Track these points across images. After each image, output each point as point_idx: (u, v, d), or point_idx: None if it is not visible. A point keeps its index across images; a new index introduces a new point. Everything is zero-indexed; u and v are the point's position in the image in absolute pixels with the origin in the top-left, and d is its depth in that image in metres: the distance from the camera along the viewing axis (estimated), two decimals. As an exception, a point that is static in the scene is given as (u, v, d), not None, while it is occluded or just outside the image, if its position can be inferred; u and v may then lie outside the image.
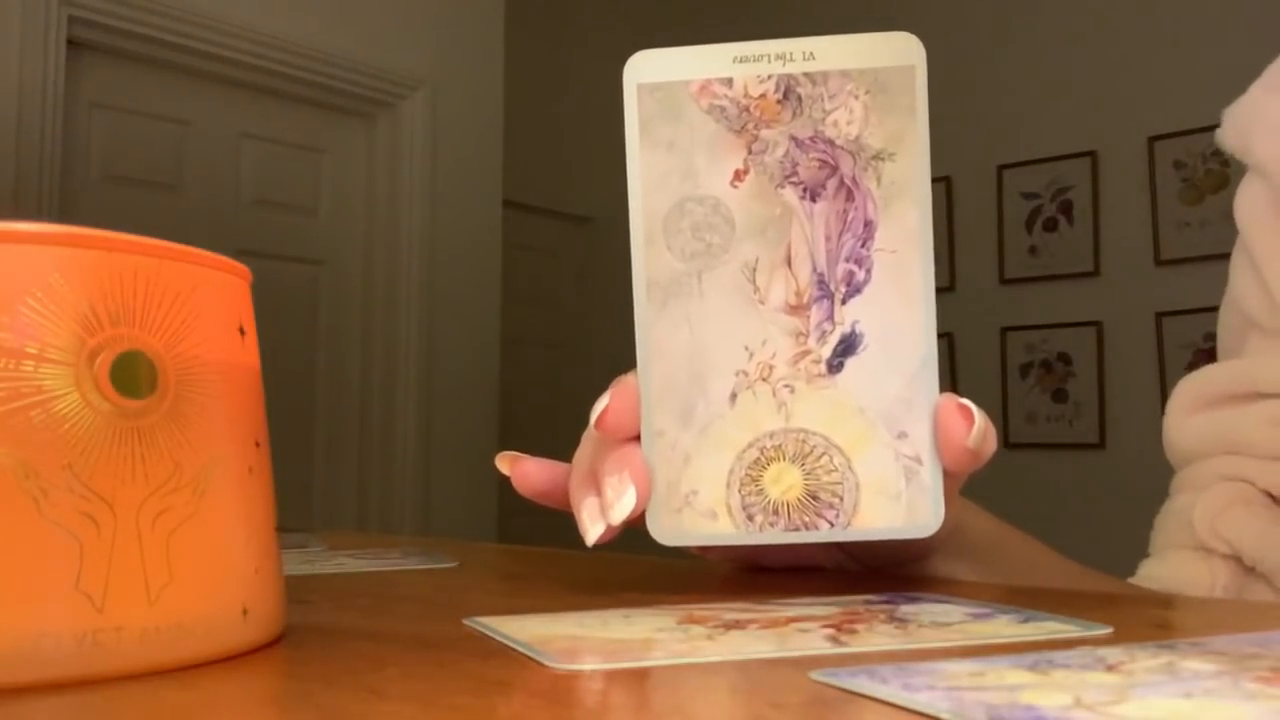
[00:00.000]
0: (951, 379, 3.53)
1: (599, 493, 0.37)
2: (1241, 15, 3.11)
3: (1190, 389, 0.57)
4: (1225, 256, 0.60)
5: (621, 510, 0.36)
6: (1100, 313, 3.40)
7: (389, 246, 3.07)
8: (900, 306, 0.36)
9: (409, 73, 3.04)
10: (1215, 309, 0.61)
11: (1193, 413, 0.57)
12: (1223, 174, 3.15)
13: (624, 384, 0.37)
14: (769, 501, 0.36)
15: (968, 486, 0.40)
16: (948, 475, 0.36)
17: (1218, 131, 0.59)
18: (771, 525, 0.36)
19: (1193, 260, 3.18)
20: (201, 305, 0.27)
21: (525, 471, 0.42)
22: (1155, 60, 3.28)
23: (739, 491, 0.36)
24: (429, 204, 3.08)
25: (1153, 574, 0.56)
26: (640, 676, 0.25)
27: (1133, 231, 3.35)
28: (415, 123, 3.07)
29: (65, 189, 2.48)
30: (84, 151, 2.57)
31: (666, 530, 0.37)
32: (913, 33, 0.37)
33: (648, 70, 0.37)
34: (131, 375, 0.25)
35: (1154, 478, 0.60)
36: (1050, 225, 3.50)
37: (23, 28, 2.38)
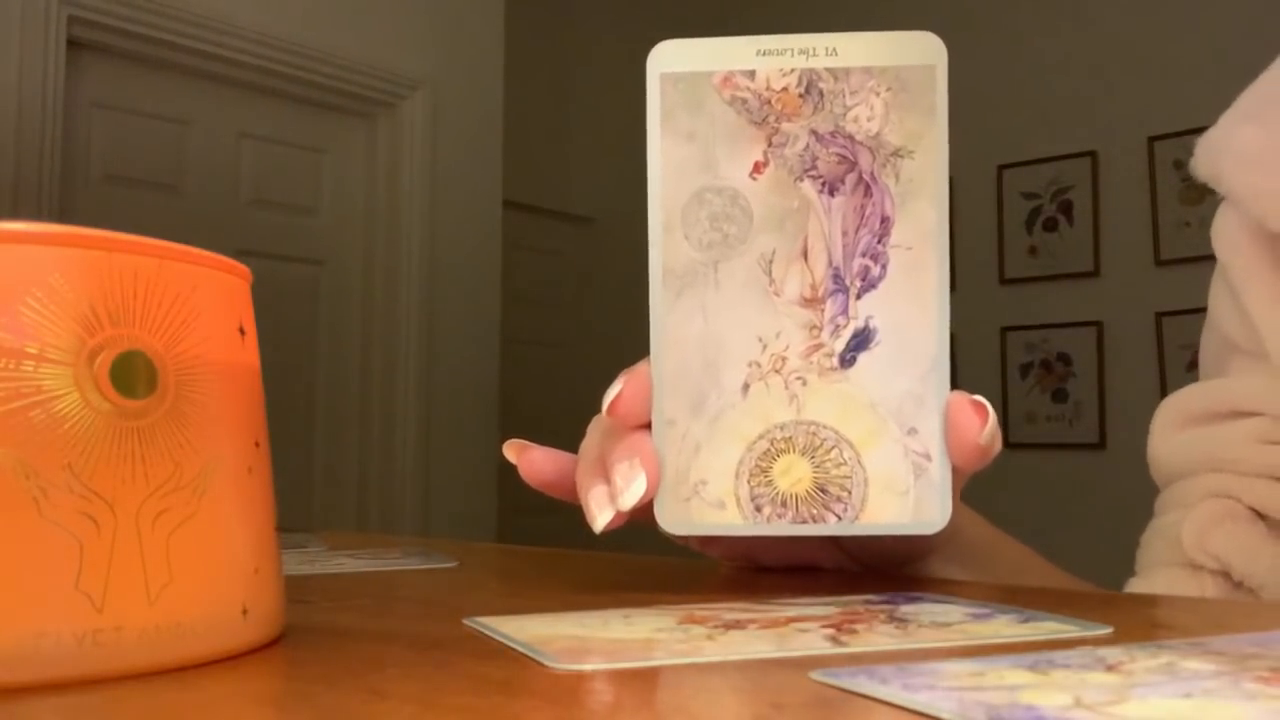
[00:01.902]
0: (951, 379, 3.53)
1: (607, 480, 0.37)
2: (1241, 16, 3.11)
3: (1173, 407, 0.58)
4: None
5: (631, 496, 0.36)
6: (1100, 313, 3.40)
7: (389, 246, 3.07)
8: (914, 303, 0.36)
9: (409, 73, 3.04)
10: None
11: (1177, 430, 0.57)
12: (1223, 174, 3.14)
13: (636, 372, 0.37)
14: (778, 493, 0.36)
15: (968, 486, 0.40)
16: (954, 473, 0.36)
17: (1191, 162, 0.59)
18: (779, 517, 0.36)
19: (1193, 260, 3.17)
20: (201, 305, 0.27)
21: (532, 460, 0.41)
22: (1155, 60, 3.28)
23: (748, 482, 0.36)
24: (429, 204, 3.08)
25: (1140, 592, 0.56)
26: (641, 677, 0.25)
27: (1133, 231, 3.35)
28: (415, 123, 3.07)
29: (65, 189, 2.48)
30: (84, 151, 2.57)
31: (674, 519, 0.37)
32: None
33: (671, 60, 0.37)
34: (131, 375, 0.25)
35: (1153, 479, 0.61)
36: (1050, 225, 3.50)
37: (23, 28, 2.38)
